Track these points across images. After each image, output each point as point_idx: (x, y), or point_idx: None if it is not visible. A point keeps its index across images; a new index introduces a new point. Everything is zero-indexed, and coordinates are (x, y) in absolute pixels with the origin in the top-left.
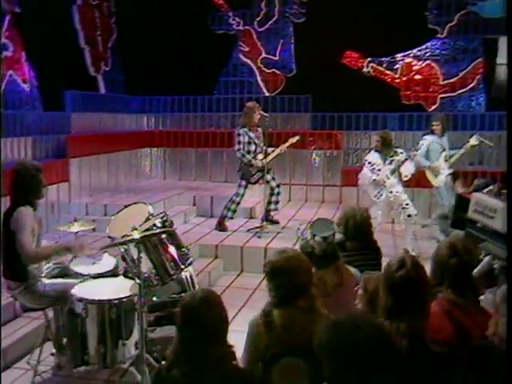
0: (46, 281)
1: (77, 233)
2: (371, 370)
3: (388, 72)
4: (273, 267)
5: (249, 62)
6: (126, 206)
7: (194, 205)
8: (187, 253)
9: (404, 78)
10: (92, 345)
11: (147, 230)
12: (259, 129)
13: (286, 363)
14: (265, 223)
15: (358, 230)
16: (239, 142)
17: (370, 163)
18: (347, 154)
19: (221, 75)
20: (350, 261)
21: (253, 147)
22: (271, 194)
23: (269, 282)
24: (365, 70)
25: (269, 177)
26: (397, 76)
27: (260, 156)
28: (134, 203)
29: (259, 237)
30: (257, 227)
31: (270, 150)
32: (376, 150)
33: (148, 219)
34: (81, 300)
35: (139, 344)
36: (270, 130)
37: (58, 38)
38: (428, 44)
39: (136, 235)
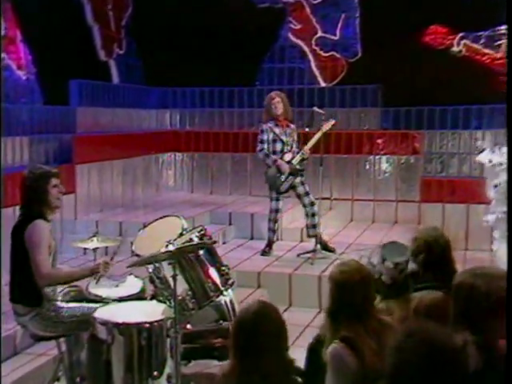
0: (62, 304)
1: (95, 250)
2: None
3: (487, 51)
4: (347, 281)
5: (300, 43)
6: (155, 220)
7: (231, 224)
8: (228, 273)
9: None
10: (118, 375)
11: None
12: (292, 126)
13: None
14: (318, 247)
15: (443, 257)
16: (262, 141)
17: None
18: (428, 161)
19: (264, 61)
20: None
21: (279, 146)
22: (306, 215)
23: (336, 299)
24: (455, 48)
25: (300, 189)
26: (499, 55)
27: (288, 156)
28: (165, 216)
29: (312, 263)
30: (309, 252)
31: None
32: None
33: (182, 234)
34: (105, 324)
35: (173, 377)
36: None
37: (60, 14)
38: None
39: (171, 247)
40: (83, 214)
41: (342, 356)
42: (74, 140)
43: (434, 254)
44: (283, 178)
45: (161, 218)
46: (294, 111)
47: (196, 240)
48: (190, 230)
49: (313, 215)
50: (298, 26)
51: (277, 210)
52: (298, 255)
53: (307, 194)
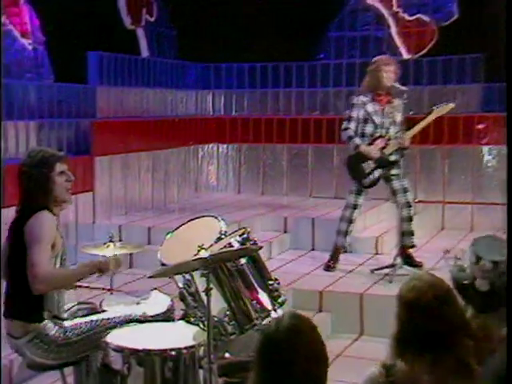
0: (68, 323)
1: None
2: None
3: None
4: (417, 299)
5: (377, 5)
6: (187, 221)
7: (286, 231)
8: (278, 288)
9: None
10: None
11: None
12: (396, 101)
13: None
14: (399, 261)
15: None
16: (350, 118)
17: None
18: None
19: (330, 29)
20: None
21: (369, 128)
22: (402, 219)
23: (404, 323)
24: None
25: (396, 184)
26: None
27: (379, 142)
28: (199, 217)
29: (390, 282)
30: (386, 267)
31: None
32: None
33: (220, 239)
34: (120, 350)
35: None
36: (410, 114)
37: None
38: None
39: (204, 254)
40: (103, 218)
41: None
42: (92, 126)
43: None
44: (367, 168)
45: (194, 219)
46: None
47: (237, 245)
48: (230, 234)
49: (409, 219)
50: None
51: (355, 206)
52: (372, 271)
53: (405, 190)
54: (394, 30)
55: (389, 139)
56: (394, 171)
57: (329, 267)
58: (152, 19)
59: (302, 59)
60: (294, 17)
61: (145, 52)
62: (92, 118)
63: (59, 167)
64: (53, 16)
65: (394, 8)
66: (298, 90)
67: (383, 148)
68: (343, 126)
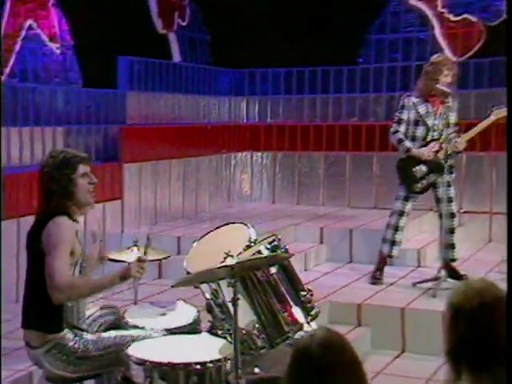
0: (89, 336)
1: None
2: None
3: None
4: (462, 306)
5: (421, 5)
6: (215, 229)
7: (322, 243)
8: (310, 299)
9: None
10: None
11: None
12: (450, 101)
13: None
14: (443, 274)
15: None
16: (399, 121)
17: None
18: None
19: (371, 31)
20: None
21: (420, 131)
22: (444, 230)
23: (452, 332)
24: None
25: (443, 191)
26: None
27: (432, 146)
28: (229, 224)
29: (434, 296)
30: (430, 280)
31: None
32: None
33: (249, 247)
34: (142, 363)
35: None
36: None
37: None
38: None
39: (230, 262)
40: (132, 227)
41: None
42: (122, 132)
43: None
44: (419, 172)
45: (222, 226)
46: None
47: (266, 253)
48: (260, 242)
49: (451, 231)
50: None
51: (401, 213)
52: (414, 284)
53: (450, 200)
54: (438, 31)
55: (443, 142)
56: (447, 177)
57: (375, 279)
58: (184, 23)
59: (340, 63)
60: (333, 19)
61: (177, 57)
62: (121, 123)
63: (82, 169)
64: (82, 19)
65: (439, 8)
66: (336, 96)
67: (437, 152)
68: (392, 129)
